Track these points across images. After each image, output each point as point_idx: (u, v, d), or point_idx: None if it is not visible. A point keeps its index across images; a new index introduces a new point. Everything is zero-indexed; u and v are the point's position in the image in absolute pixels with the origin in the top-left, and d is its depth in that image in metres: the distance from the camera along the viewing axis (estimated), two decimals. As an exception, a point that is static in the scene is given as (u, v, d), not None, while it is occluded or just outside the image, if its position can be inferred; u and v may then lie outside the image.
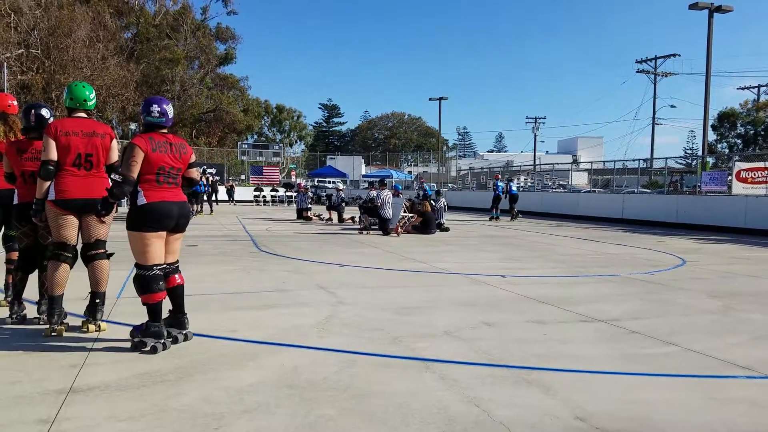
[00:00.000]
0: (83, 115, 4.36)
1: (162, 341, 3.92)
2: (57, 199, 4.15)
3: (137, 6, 46.23)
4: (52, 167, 4.11)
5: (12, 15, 33.78)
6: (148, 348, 3.88)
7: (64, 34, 35.33)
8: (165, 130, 4.11)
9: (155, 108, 4.04)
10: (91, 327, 4.32)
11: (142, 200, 3.91)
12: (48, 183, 4.14)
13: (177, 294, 4.16)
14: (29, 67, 35.16)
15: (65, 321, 4.38)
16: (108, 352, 3.90)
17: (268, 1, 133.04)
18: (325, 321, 4.95)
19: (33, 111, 4.71)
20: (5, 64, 32.07)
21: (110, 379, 3.36)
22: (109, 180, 4.28)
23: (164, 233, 4.01)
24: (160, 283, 3.96)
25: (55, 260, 4.21)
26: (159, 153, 3.93)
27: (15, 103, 5.14)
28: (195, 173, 4.33)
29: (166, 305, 4.12)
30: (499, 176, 25.63)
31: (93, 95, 4.45)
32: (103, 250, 4.36)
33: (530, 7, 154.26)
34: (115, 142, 4.43)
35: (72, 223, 4.23)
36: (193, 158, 4.25)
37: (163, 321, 4.08)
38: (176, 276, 4.17)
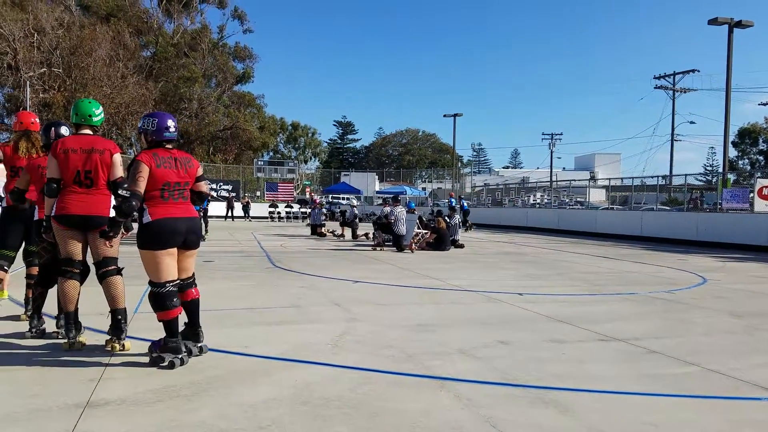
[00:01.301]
0: (88, 131, 4.38)
1: (180, 356, 3.94)
2: (56, 215, 4.21)
3: (156, 25, 47.16)
4: (54, 185, 4.19)
5: (35, 35, 34.64)
6: (166, 363, 3.90)
7: (85, 53, 36.12)
8: (170, 146, 4.12)
9: (171, 124, 4.10)
10: (116, 346, 4.29)
11: (147, 218, 3.92)
12: (53, 200, 4.22)
13: (193, 308, 4.17)
14: (51, 86, 35.95)
15: (82, 336, 4.40)
16: (125, 367, 3.92)
17: (284, 20, 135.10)
18: (338, 337, 4.94)
19: (53, 129, 4.81)
20: (28, 82, 32.84)
21: (126, 394, 3.38)
22: (114, 197, 4.23)
23: (174, 250, 4.00)
24: (175, 300, 3.97)
25: (62, 276, 4.24)
26: (163, 169, 3.96)
27: (37, 120, 5.27)
28: (204, 187, 4.31)
29: (182, 318, 4.14)
30: (453, 194, 29.73)
31: (99, 111, 4.46)
32: (113, 267, 4.35)
33: (547, 23, 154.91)
34: (117, 157, 4.37)
35: (75, 238, 4.25)
36: (200, 172, 4.25)
37: (180, 333, 4.10)
38: (192, 290, 4.19)
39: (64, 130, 4.80)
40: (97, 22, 40.31)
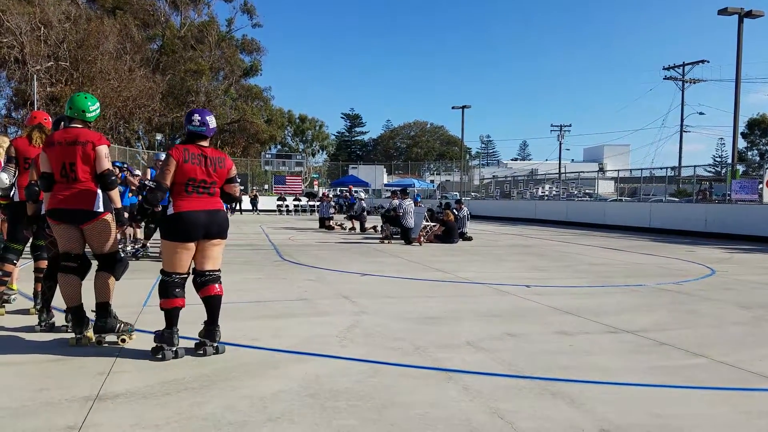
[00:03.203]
0: (78, 125, 4.30)
1: (173, 348, 3.96)
2: (47, 210, 4.26)
3: (163, 18, 47.16)
4: (45, 179, 4.23)
5: (42, 28, 34.72)
6: (159, 354, 3.94)
7: (92, 47, 36.19)
8: (205, 143, 4.15)
9: (196, 117, 4.14)
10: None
11: (170, 210, 4.02)
12: (47, 194, 4.26)
13: (213, 304, 4.14)
14: (58, 80, 36.05)
15: (89, 331, 4.35)
16: (134, 360, 3.95)
17: (292, 13, 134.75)
18: (347, 330, 4.95)
19: (63, 124, 4.81)
20: (35, 76, 32.97)
21: (136, 387, 3.41)
22: (107, 187, 4.23)
23: (191, 245, 4.04)
24: (177, 290, 4.01)
25: (61, 272, 4.26)
26: (191, 164, 3.99)
27: (50, 119, 5.32)
28: (233, 188, 4.28)
29: (201, 316, 4.16)
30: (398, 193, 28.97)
31: (95, 108, 4.38)
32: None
33: (556, 15, 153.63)
34: (101, 149, 4.21)
35: (69, 232, 4.22)
36: (232, 173, 4.23)
37: (199, 333, 4.15)
38: (216, 285, 4.15)
39: None
40: (104, 15, 40.36)
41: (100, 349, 4.20)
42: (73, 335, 4.32)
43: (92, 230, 4.25)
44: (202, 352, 4.07)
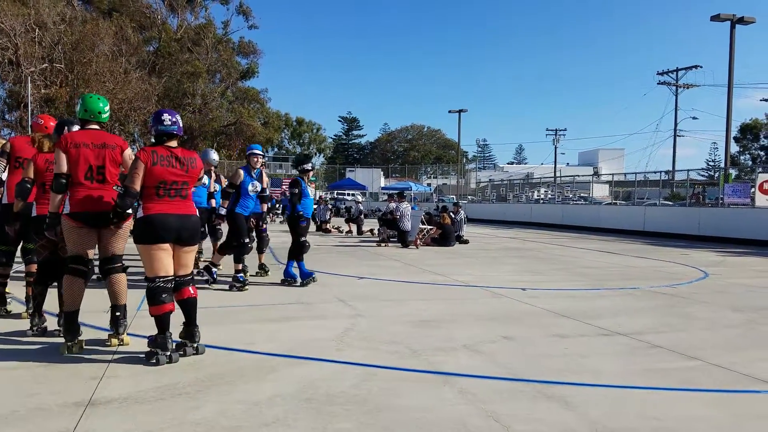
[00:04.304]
0: (96, 127, 4.36)
1: (167, 353, 3.93)
2: (71, 212, 4.16)
3: (159, 20, 47.07)
4: (64, 180, 4.12)
5: (37, 30, 34.60)
6: (153, 359, 3.91)
7: (88, 49, 36.06)
8: (174, 143, 4.14)
9: (167, 117, 4.13)
10: (114, 341, 4.35)
11: (140, 213, 4.00)
12: (60, 196, 4.16)
13: (189, 306, 4.15)
14: (53, 81, 35.91)
15: (80, 337, 4.31)
16: (127, 364, 3.93)
17: (289, 15, 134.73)
18: (343, 334, 4.94)
19: (66, 128, 4.79)
20: (29, 78, 32.84)
21: (129, 392, 3.39)
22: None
23: (166, 245, 4.02)
24: (164, 296, 3.98)
25: (71, 275, 4.20)
26: (160, 167, 3.98)
27: (53, 124, 5.21)
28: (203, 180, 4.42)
29: (180, 318, 4.15)
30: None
31: (107, 108, 4.44)
32: (119, 264, 4.38)
33: (551, 19, 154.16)
34: (127, 152, 4.37)
35: (88, 236, 4.22)
36: (202, 172, 4.33)
37: (179, 334, 4.13)
38: (189, 288, 4.17)
39: (77, 129, 4.78)
40: (99, 16, 40.26)
41: (94, 353, 4.17)
42: (63, 342, 4.21)
43: (119, 232, 4.32)
44: (182, 352, 4.06)
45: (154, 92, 39.99)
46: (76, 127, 4.77)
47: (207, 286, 7.20)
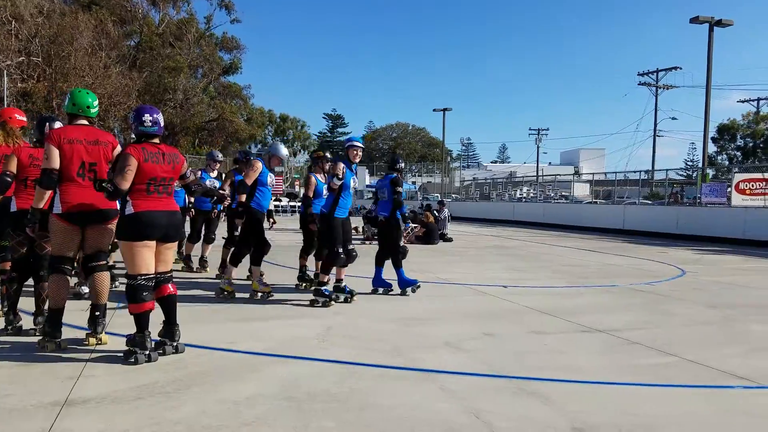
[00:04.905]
0: (85, 122, 4.30)
1: (146, 352, 3.88)
2: (64, 212, 4.08)
3: (140, 14, 46.44)
4: (54, 176, 4.04)
5: (13, 22, 33.90)
6: (131, 358, 3.86)
7: (66, 42, 35.40)
8: (157, 140, 4.10)
9: (147, 117, 4.05)
10: (92, 340, 4.28)
11: (130, 209, 3.92)
12: (48, 192, 4.07)
13: (169, 304, 4.11)
14: (30, 75, 35.22)
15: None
16: (105, 364, 3.87)
17: (273, 12, 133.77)
18: (326, 332, 4.93)
19: (48, 125, 4.71)
20: (5, 71, 32.18)
21: (106, 391, 3.34)
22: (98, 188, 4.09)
23: (152, 243, 3.99)
24: (145, 294, 3.93)
25: (59, 274, 4.15)
26: (151, 163, 3.94)
27: (21, 117, 5.08)
28: (187, 181, 4.37)
29: (160, 316, 4.10)
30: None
31: (96, 103, 4.39)
32: (104, 262, 4.32)
33: (535, 19, 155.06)
34: (117, 149, 4.33)
35: (75, 235, 4.17)
36: (184, 168, 4.25)
37: (158, 332, 4.08)
38: (168, 285, 4.13)
39: (59, 126, 4.71)
40: (79, 9, 39.56)
41: (71, 352, 4.10)
42: (44, 339, 4.15)
43: (107, 229, 4.28)
44: (161, 351, 4.01)
45: (135, 87, 39.43)
46: (57, 124, 4.71)
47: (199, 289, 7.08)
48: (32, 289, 4.69)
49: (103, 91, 35.99)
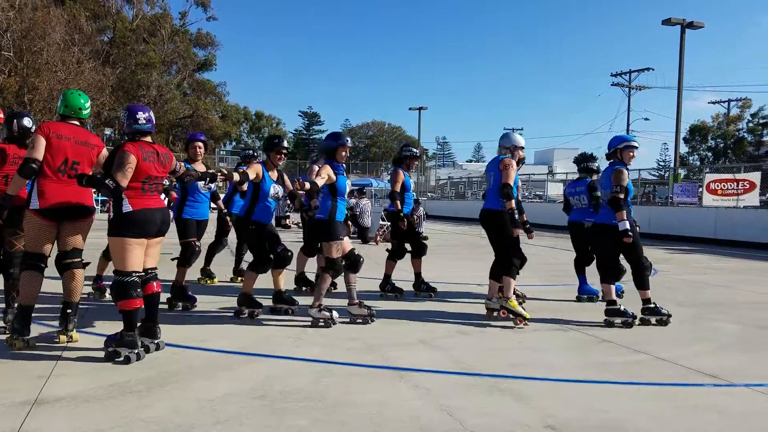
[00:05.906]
0: (76, 123, 4.31)
1: (136, 351, 3.86)
2: (41, 208, 4.06)
3: (114, 10, 45.67)
4: (35, 166, 4.01)
5: (-17, 17, 33.07)
6: (121, 358, 3.82)
7: (39, 37, 34.65)
8: (149, 138, 4.10)
9: (141, 115, 4.06)
10: (63, 338, 4.23)
11: (127, 207, 3.91)
12: (25, 182, 4.04)
13: (153, 302, 4.12)
14: (1, 70, 34.42)
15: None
16: (77, 362, 3.82)
17: (249, 9, 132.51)
18: (301, 331, 4.93)
19: (15, 121, 4.63)
20: (-25, 66, 31.38)
21: (78, 390, 3.29)
22: (82, 180, 4.00)
23: (145, 240, 4.01)
24: (137, 290, 3.92)
25: (33, 270, 4.11)
26: (148, 162, 3.97)
27: None
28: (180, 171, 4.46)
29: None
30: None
31: (88, 104, 4.38)
32: (78, 259, 4.28)
33: (509, 19, 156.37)
34: (103, 153, 4.36)
35: (51, 232, 4.16)
36: (174, 163, 4.31)
37: (138, 330, 4.03)
38: (154, 283, 4.14)
39: (28, 122, 4.69)
40: (51, 4, 38.72)
41: (42, 350, 4.04)
42: (14, 336, 4.08)
43: (84, 226, 4.29)
44: (146, 349, 3.99)
45: (108, 83, 38.76)
46: (26, 119, 4.67)
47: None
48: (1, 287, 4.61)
49: (76, 87, 35.28)
